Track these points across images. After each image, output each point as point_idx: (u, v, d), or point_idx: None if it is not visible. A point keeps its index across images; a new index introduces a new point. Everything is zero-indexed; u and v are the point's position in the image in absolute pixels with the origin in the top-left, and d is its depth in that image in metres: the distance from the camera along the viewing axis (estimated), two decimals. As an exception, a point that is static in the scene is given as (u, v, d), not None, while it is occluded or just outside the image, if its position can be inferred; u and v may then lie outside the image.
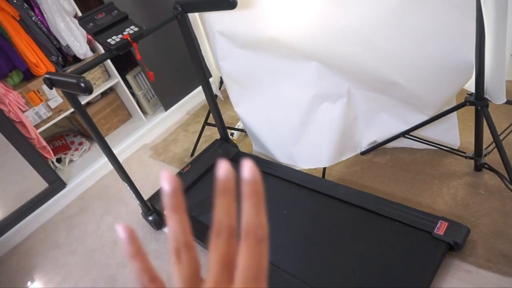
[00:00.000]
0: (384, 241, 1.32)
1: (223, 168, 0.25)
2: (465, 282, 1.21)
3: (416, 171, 1.65)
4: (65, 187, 2.29)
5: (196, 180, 1.88)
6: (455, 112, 1.54)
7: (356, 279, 1.24)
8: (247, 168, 0.25)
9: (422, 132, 1.67)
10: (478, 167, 1.55)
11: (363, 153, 1.84)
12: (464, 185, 1.52)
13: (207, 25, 1.68)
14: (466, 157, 1.55)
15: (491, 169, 1.47)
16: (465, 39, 1.24)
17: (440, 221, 1.29)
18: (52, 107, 2.28)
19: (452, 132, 1.64)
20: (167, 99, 2.69)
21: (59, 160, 2.51)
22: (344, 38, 1.39)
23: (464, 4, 1.17)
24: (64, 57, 2.31)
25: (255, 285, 0.24)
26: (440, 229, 1.26)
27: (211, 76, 2.04)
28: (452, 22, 1.22)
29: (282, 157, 1.92)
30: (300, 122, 1.74)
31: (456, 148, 1.65)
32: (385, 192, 1.61)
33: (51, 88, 1.30)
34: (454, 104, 1.51)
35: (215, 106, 1.88)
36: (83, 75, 2.20)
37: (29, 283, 1.85)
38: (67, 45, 2.24)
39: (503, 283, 1.17)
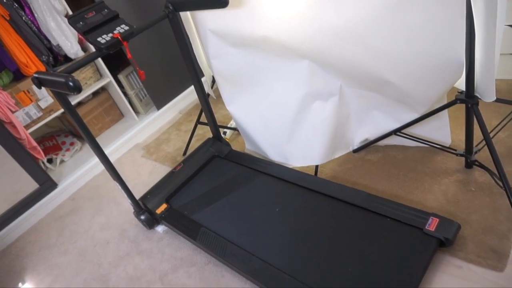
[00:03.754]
0: (376, 237, 1.33)
1: None
2: (455, 277, 1.22)
3: (408, 168, 1.66)
4: (56, 188, 2.27)
5: (188, 178, 1.87)
6: (446, 110, 1.55)
7: (349, 275, 1.24)
8: None
9: (414, 130, 1.68)
10: (469, 164, 1.57)
11: (355, 151, 1.85)
12: (455, 182, 1.53)
13: (199, 24, 1.67)
14: (457, 155, 1.57)
15: (481, 166, 1.48)
16: (456, 37, 1.25)
17: (431, 217, 1.30)
18: (43, 107, 2.25)
19: (443, 130, 1.66)
20: (160, 98, 2.68)
21: (50, 161, 2.48)
22: (337, 37, 1.39)
23: (455, 2, 1.18)
24: (55, 56, 2.29)
25: None
26: (431, 225, 1.27)
27: (203, 75, 2.03)
28: (444, 20, 1.23)
29: (275, 155, 1.92)
30: (292, 121, 1.75)
31: (447, 145, 1.67)
32: (377, 189, 1.62)
33: (39, 88, 1.28)
34: (445, 102, 1.52)
35: (207, 105, 1.88)
36: (74, 74, 2.19)
37: (20, 285, 1.83)
38: (58, 44, 2.22)
39: (493, 278, 1.18)
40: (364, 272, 1.23)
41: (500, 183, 1.34)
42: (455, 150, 1.57)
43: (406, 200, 1.52)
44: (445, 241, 1.23)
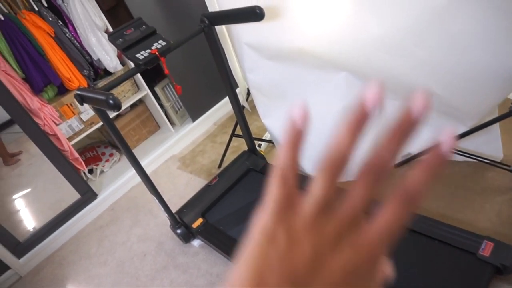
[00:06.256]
0: (423, 262, 1.24)
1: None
2: (514, 309, 1.12)
3: (456, 185, 1.56)
4: (96, 198, 2.34)
5: (224, 192, 1.86)
6: (497, 123, 1.44)
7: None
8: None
9: (461, 144, 1.58)
10: (525, 182, 1.44)
11: (397, 166, 1.76)
12: (509, 201, 1.42)
13: (234, 37, 1.67)
14: (510, 171, 1.45)
15: (540, 184, 1.36)
16: (509, 44, 1.15)
17: (485, 241, 1.19)
18: (84, 120, 2.33)
19: (494, 144, 1.54)
20: (195, 110, 2.71)
21: (90, 171, 2.56)
22: (377, 47, 1.33)
23: (508, 6, 1.09)
24: (95, 70, 2.37)
25: (379, 247, 0.22)
26: (486, 250, 1.17)
27: (238, 87, 2.02)
28: (495, 26, 1.14)
29: (312, 169, 1.86)
30: (330, 134, 1.69)
31: (499, 160, 1.55)
32: (422, 208, 1.52)
33: (81, 104, 1.32)
34: (496, 114, 1.41)
35: (242, 117, 1.86)
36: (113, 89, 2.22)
37: (62, 293, 1.88)
38: (98, 59, 2.30)
39: (559, 312, 1.07)
40: (410, 299, 1.15)
41: None
42: (509, 166, 1.45)
43: (455, 221, 1.42)
44: (502, 268, 1.13)
